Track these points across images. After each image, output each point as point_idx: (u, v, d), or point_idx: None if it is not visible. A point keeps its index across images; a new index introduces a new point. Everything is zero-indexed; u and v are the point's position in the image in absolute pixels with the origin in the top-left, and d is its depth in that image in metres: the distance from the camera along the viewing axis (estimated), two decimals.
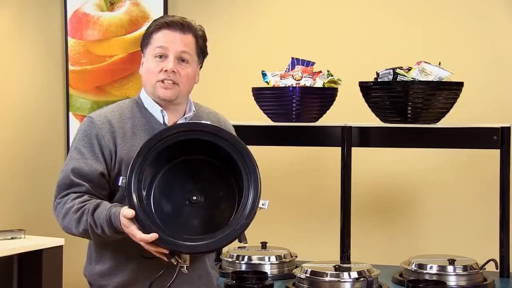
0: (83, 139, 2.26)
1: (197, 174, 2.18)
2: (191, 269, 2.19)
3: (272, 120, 3.20)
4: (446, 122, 3.04)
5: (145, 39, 2.32)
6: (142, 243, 2.06)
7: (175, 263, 2.09)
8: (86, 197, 2.20)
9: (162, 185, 2.15)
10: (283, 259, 2.93)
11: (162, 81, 2.26)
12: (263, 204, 2.09)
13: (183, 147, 2.14)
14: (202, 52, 2.35)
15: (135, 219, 2.04)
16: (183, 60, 2.28)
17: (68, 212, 2.19)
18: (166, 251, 2.06)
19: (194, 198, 2.14)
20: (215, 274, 2.44)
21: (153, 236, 2.02)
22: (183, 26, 2.28)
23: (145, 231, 2.03)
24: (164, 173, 2.15)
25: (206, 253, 2.21)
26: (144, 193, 2.08)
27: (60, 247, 3.77)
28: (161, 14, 4.23)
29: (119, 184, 2.10)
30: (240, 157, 2.12)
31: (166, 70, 2.25)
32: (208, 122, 2.18)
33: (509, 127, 2.91)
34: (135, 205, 2.05)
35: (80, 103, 4.48)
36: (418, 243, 3.73)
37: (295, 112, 3.08)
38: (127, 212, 2.04)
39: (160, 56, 2.27)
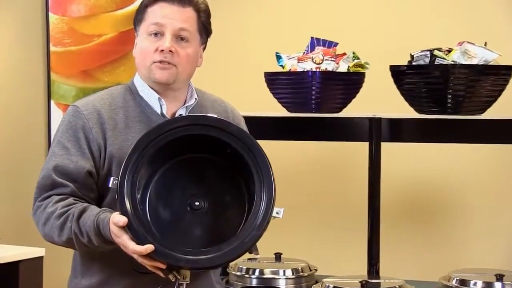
0: (67, 131, 2.26)
1: (200, 175, 2.18)
2: (193, 286, 2.19)
3: (288, 111, 3.21)
4: (493, 113, 3.04)
5: (139, 15, 2.31)
6: (135, 256, 2.05)
7: (173, 280, 2.08)
8: (70, 200, 2.20)
9: (159, 188, 2.14)
10: (301, 273, 2.94)
11: (159, 62, 2.25)
12: (277, 213, 2.08)
13: (185, 143, 2.14)
14: (205, 29, 2.33)
15: (128, 228, 2.04)
16: (182, 39, 2.27)
17: (49, 217, 2.19)
18: (163, 266, 2.05)
19: (197, 203, 2.13)
20: None
21: (148, 248, 2.00)
22: None
23: (139, 241, 2.02)
24: (162, 173, 2.15)
25: (209, 269, 2.21)
26: (138, 197, 2.08)
27: (40, 258, 3.79)
28: None
29: (110, 185, 2.10)
30: (251, 156, 2.11)
31: (162, 50, 2.24)
32: (215, 115, 2.17)
33: None
34: (127, 211, 2.04)
35: (63, 90, 4.48)
36: (460, 254, 3.73)
37: (315, 101, 3.09)
38: (118, 219, 2.03)
39: (155, 34, 2.26)
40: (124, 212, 2.04)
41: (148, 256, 2.03)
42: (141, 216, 2.06)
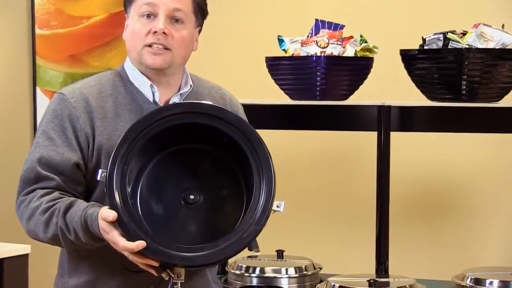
0: (53, 121, 2.26)
1: (195, 167, 2.18)
2: (188, 285, 2.19)
3: (291, 98, 3.21)
4: (510, 100, 3.04)
5: None
6: (126, 253, 2.06)
7: (167, 279, 2.08)
8: (56, 194, 2.20)
9: (151, 181, 2.14)
10: (304, 272, 2.94)
11: (150, 46, 2.25)
12: (278, 206, 2.08)
13: (178, 133, 2.14)
14: (201, 10, 2.34)
15: (118, 223, 2.04)
16: (176, 20, 2.27)
17: (34, 212, 2.19)
18: (156, 264, 2.05)
19: (192, 197, 2.14)
20: None
21: (140, 244, 2.01)
22: None
23: (130, 238, 2.02)
24: (154, 165, 2.15)
25: (206, 267, 2.20)
26: (129, 191, 2.08)
27: (25, 255, 3.79)
28: None
29: (98, 178, 2.10)
30: (250, 146, 2.11)
31: (156, 32, 2.24)
32: (210, 103, 2.17)
33: None
34: (117, 205, 2.04)
35: (50, 76, 4.48)
36: (475, 252, 3.74)
37: (320, 88, 3.09)
38: (107, 214, 2.04)
39: (148, 15, 2.26)
40: (113, 207, 2.04)
41: (140, 253, 2.03)
42: (132, 210, 2.06)
